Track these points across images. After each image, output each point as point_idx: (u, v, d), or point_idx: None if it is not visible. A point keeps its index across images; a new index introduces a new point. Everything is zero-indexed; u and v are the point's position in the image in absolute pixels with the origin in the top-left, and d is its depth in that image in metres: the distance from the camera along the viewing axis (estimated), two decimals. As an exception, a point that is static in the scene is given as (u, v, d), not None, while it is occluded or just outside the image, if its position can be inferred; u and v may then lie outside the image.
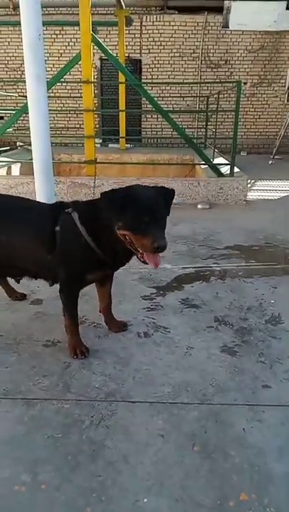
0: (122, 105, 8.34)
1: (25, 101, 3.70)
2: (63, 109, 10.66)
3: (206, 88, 11.08)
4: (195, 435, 1.50)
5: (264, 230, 4.12)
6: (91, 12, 4.77)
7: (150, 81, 11.04)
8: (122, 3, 7.81)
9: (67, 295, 1.96)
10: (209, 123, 9.31)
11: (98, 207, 1.81)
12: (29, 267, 2.05)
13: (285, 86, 11.31)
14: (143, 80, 10.92)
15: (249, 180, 5.91)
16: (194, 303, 2.56)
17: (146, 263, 1.73)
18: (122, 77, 7.20)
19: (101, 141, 9.94)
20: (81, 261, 1.88)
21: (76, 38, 10.62)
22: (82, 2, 4.61)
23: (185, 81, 11.03)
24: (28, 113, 3.13)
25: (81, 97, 5.48)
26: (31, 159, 3.28)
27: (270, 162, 9.52)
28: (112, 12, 9.45)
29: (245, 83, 11.02)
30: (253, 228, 4.17)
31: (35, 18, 2.80)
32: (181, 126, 6.26)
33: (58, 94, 10.48)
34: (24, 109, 5.29)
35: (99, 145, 8.98)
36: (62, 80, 5.50)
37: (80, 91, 10.55)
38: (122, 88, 8.32)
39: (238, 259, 3.32)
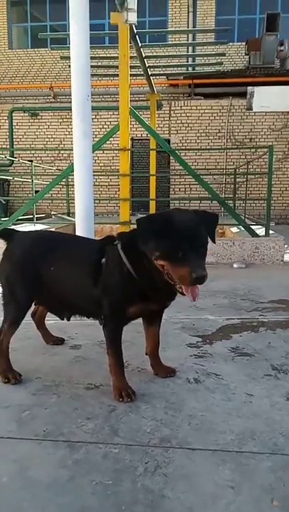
0: (152, 169, 8.68)
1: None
2: (96, 182, 11.26)
3: (231, 163, 11.56)
4: (272, 488, 1.24)
5: (307, 286, 3.93)
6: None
7: (180, 157, 11.64)
8: (154, 89, 8.54)
9: (111, 330, 1.82)
10: (237, 193, 9.54)
11: (136, 235, 1.73)
12: (80, 303, 1.96)
13: (308, 160, 11.72)
14: (172, 162, 11.52)
15: (285, 245, 5.83)
16: (246, 351, 2.34)
17: (184, 294, 1.61)
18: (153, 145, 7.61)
19: (131, 211, 10.26)
20: (123, 291, 1.77)
21: (110, 122, 11.55)
22: (122, 74, 5.04)
23: (211, 158, 11.59)
24: (63, 185, 3.25)
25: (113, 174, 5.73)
26: (67, 225, 3.34)
27: (300, 231, 9.50)
28: (143, 98, 10.34)
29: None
30: (296, 285, 3.98)
31: (85, 80, 3.03)
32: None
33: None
34: (65, 173, 5.58)
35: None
36: (103, 147, 5.82)
37: (112, 167, 11.21)
38: (153, 156, 8.72)
39: (285, 312, 3.11)
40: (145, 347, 2.09)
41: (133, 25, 5.01)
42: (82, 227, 3.19)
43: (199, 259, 1.53)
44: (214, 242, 1.75)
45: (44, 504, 1.18)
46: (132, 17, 4.64)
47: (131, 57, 6.45)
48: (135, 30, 5.32)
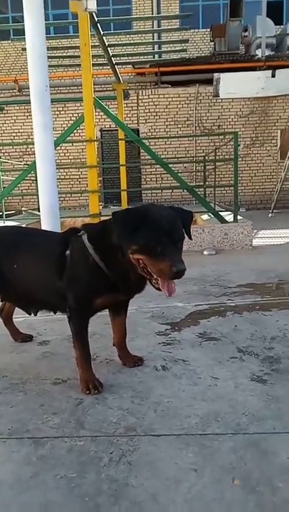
0: (122, 160, 8.63)
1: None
2: (67, 176, 11.11)
3: (201, 151, 11.61)
4: (233, 468, 1.28)
5: (275, 269, 4.01)
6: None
7: (148, 147, 11.60)
8: (120, 78, 8.44)
9: (77, 322, 1.80)
10: (207, 180, 9.60)
11: (108, 227, 1.71)
12: (46, 297, 1.93)
13: (276, 145, 11.89)
14: (142, 152, 11.48)
15: (253, 230, 5.92)
16: (213, 336, 2.38)
17: (160, 290, 1.60)
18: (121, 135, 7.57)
19: (103, 204, 10.20)
20: (89, 282, 1.75)
21: (78, 113, 11.37)
22: (84, 64, 4.96)
23: (180, 146, 11.61)
24: (33, 180, 3.19)
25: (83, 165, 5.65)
26: (37, 220, 3.29)
27: (269, 215, 9.67)
28: (110, 88, 10.21)
29: (239, 145, 11.58)
30: (263, 269, 4.06)
31: (42, 71, 2.96)
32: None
33: (60, 163, 10.98)
34: (30, 168, 5.47)
35: (101, 206, 9.19)
36: (69, 138, 5.74)
37: (82, 159, 11.08)
38: (122, 146, 8.67)
39: (252, 295, 3.17)
40: (112, 338, 2.09)
41: (93, 13, 4.91)
42: (48, 222, 3.14)
43: (178, 253, 1.54)
44: (190, 239, 1.76)
45: (6, 503, 1.17)
46: (92, 5, 4.55)
47: (95, 46, 6.35)
48: (96, 18, 5.22)
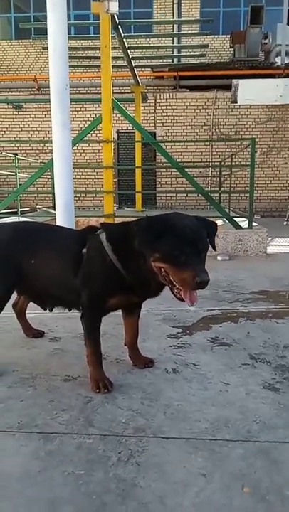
0: (138, 162, 8.64)
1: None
2: (82, 176, 11.18)
3: (217, 156, 11.58)
4: (243, 475, 1.25)
5: (289, 277, 3.97)
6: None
7: (164, 150, 11.63)
8: (139, 81, 8.47)
9: (89, 320, 1.80)
10: (222, 187, 9.57)
11: (130, 230, 1.68)
12: (61, 294, 1.93)
13: (293, 154, 11.80)
14: (158, 155, 11.50)
15: (268, 237, 5.87)
16: (225, 341, 2.35)
17: (182, 300, 1.58)
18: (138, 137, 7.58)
19: (117, 205, 10.23)
20: (104, 281, 1.75)
21: (96, 114, 11.44)
22: (104, 65, 4.99)
23: (197, 151, 11.60)
24: (49, 178, 3.21)
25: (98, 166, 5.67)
26: (52, 218, 3.31)
27: (284, 223, 9.59)
28: (129, 91, 10.25)
29: (256, 152, 11.53)
30: (277, 276, 4.02)
31: (63, 70, 2.99)
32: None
33: (77, 163, 11.06)
34: (47, 166, 5.51)
35: (115, 208, 9.22)
36: (86, 138, 5.77)
37: (98, 160, 11.13)
38: (138, 149, 8.67)
39: (265, 303, 3.14)
40: (124, 338, 2.09)
41: (115, 15, 4.94)
42: (62, 220, 3.15)
43: (201, 264, 1.52)
44: (215, 250, 1.76)
45: (13, 496, 1.17)
46: (113, 6, 4.58)
47: (115, 48, 6.39)
48: (117, 20, 5.25)
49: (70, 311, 1.99)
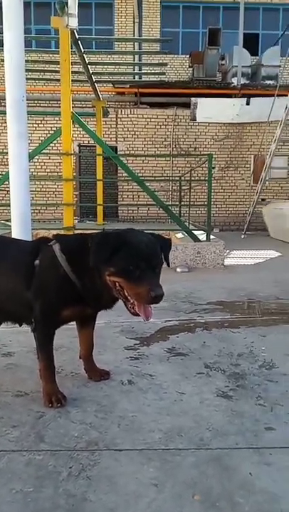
0: (99, 175, 8.67)
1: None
2: (43, 188, 11.05)
3: (177, 171, 11.82)
4: (195, 483, 1.26)
5: (245, 288, 4.08)
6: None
7: (124, 163, 11.74)
8: (100, 96, 8.55)
9: (42, 333, 1.75)
10: (182, 201, 9.76)
11: (85, 242, 1.67)
12: (11, 308, 1.87)
13: (250, 170, 12.26)
14: (119, 168, 11.59)
15: (225, 249, 6.03)
16: (181, 351, 2.38)
17: (137, 314, 1.60)
18: (99, 151, 7.63)
19: (78, 218, 10.16)
20: (57, 293, 1.71)
21: (56, 127, 11.39)
22: (63, 79, 5.00)
23: (157, 165, 11.80)
24: (8, 191, 3.16)
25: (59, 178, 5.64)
26: (9, 231, 3.24)
27: (242, 237, 9.88)
28: (90, 105, 10.32)
29: (213, 167, 11.88)
30: (234, 287, 4.12)
31: (19, 81, 2.97)
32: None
33: (37, 175, 10.93)
34: (4, 178, 5.41)
35: (77, 221, 9.15)
36: (46, 151, 5.72)
37: (59, 173, 11.05)
38: (99, 162, 8.72)
39: (222, 313, 3.21)
40: (79, 350, 2.06)
41: (74, 30, 4.99)
42: (18, 232, 3.09)
43: (156, 279, 1.53)
44: (168, 266, 1.78)
45: None
46: (73, 22, 4.63)
47: (76, 63, 6.44)
48: (77, 36, 5.31)
49: (20, 326, 1.94)
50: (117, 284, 1.57)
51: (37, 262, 1.76)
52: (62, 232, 5.22)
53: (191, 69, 12.44)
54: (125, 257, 1.52)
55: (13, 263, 1.85)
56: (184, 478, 1.28)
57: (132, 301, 1.57)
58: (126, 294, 1.57)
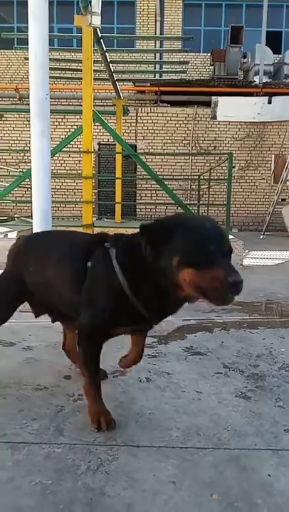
0: (118, 173, 8.70)
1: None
2: (62, 186, 11.15)
3: (196, 170, 11.77)
4: (213, 482, 1.25)
5: (264, 289, 4.04)
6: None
7: (143, 162, 11.76)
8: (120, 94, 8.58)
9: (88, 347, 1.54)
10: (201, 201, 9.71)
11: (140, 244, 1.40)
12: (65, 310, 1.73)
13: (270, 169, 12.11)
14: (138, 167, 11.60)
15: (244, 250, 5.97)
16: (199, 350, 2.37)
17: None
18: (118, 149, 7.65)
19: (97, 216, 10.23)
20: (110, 309, 1.48)
21: (77, 125, 11.48)
22: (85, 77, 5.03)
23: (176, 164, 11.77)
24: (28, 187, 3.19)
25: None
26: (30, 228, 3.28)
27: (261, 237, 9.78)
28: (110, 104, 10.37)
29: (233, 167, 11.77)
30: (253, 288, 4.08)
31: (43, 79, 3.00)
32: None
33: (57, 173, 11.04)
34: (25, 175, 5.48)
35: (95, 218, 9.21)
36: (67, 148, 5.78)
37: (78, 170, 11.13)
38: (118, 160, 8.74)
39: (240, 313, 3.18)
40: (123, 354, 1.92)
41: (97, 29, 5.01)
42: (39, 229, 3.12)
43: (231, 265, 1.28)
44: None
45: (-23, 506, 1.13)
46: (96, 20, 4.65)
47: (97, 61, 6.47)
48: (99, 34, 5.33)
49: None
50: (186, 278, 1.28)
51: (89, 264, 1.55)
52: (81, 229, 5.26)
53: (213, 67, 12.36)
54: (190, 241, 1.27)
55: (65, 261, 1.67)
56: (202, 477, 1.27)
57: (208, 296, 1.28)
58: (197, 287, 1.28)
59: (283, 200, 10.72)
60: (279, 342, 2.54)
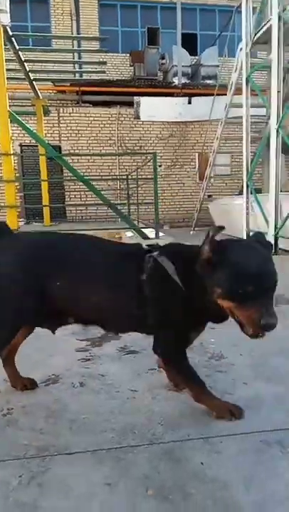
0: (43, 176, 8.48)
1: None
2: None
3: (124, 170, 11.84)
4: (147, 478, 1.27)
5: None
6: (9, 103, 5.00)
7: (67, 163, 11.57)
8: (39, 94, 8.35)
9: (181, 361, 1.61)
10: (131, 200, 9.79)
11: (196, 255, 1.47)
12: (104, 319, 1.69)
13: (195, 167, 12.56)
14: (65, 168, 11.38)
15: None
16: (133, 349, 2.38)
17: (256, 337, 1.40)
18: (41, 151, 7.45)
19: (24, 220, 9.88)
20: (184, 319, 1.55)
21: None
22: None
23: (104, 164, 11.74)
24: None
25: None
26: None
27: (191, 233, 10.10)
28: (30, 104, 10.05)
29: (160, 166, 12.02)
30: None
31: None
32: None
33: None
34: None
35: (23, 223, 8.90)
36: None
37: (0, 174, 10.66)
38: (42, 162, 8.53)
39: (172, 308, 3.25)
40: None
41: (7, 27, 4.82)
42: None
43: (269, 303, 1.33)
44: None
45: None
46: (4, 18, 4.47)
47: (12, 60, 6.23)
48: (10, 32, 5.14)
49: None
50: (225, 306, 1.39)
51: (144, 277, 1.54)
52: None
53: (132, 67, 12.50)
54: (232, 276, 1.34)
55: (113, 274, 1.61)
56: (137, 475, 1.28)
57: (241, 326, 1.40)
58: (234, 316, 1.41)
59: (210, 196, 11.17)
60: (208, 333, 2.62)
